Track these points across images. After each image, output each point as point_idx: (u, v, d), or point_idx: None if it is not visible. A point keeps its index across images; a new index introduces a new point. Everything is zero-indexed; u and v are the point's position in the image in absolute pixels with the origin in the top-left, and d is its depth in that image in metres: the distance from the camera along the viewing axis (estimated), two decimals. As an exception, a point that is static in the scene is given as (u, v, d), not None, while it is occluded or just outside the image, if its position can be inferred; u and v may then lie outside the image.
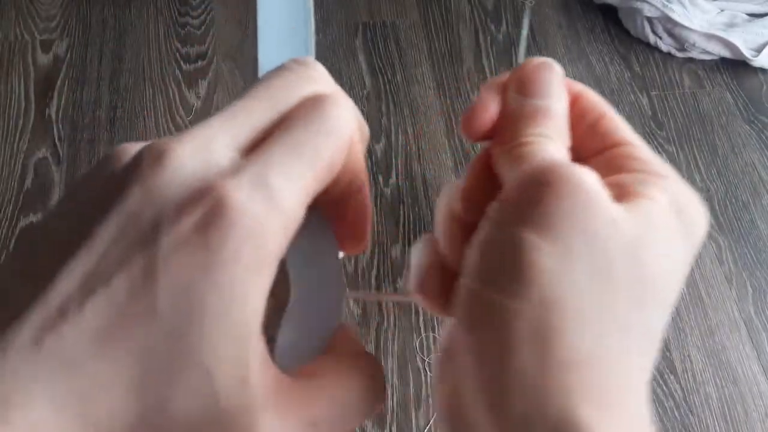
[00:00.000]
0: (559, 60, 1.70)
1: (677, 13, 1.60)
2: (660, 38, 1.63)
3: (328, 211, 0.25)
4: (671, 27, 1.61)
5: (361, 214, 0.25)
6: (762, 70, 1.62)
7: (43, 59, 1.57)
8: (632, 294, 0.23)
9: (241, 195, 0.20)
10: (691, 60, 1.63)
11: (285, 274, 0.24)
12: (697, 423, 1.15)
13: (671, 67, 1.62)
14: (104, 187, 0.21)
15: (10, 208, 1.33)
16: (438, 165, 1.43)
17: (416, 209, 1.37)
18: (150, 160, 0.21)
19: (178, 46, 1.61)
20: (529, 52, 1.62)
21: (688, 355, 1.22)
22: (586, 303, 0.22)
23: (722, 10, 1.67)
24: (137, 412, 0.19)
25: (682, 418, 1.15)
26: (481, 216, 0.25)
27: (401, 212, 1.36)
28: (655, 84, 1.59)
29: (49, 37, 1.60)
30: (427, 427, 1.14)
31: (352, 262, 1.30)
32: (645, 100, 1.56)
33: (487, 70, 1.59)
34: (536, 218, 0.23)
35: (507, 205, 0.24)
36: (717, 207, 1.40)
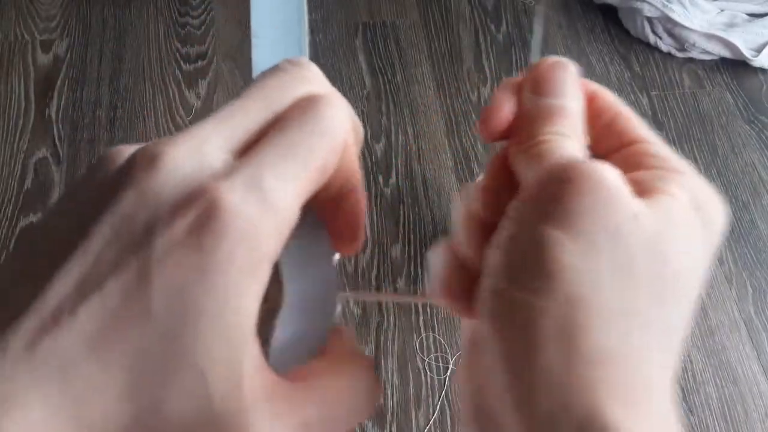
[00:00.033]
0: (559, 60, 1.68)
1: (677, 13, 1.60)
2: (660, 38, 1.63)
3: (322, 211, 0.25)
4: (671, 27, 1.61)
5: (355, 216, 0.25)
6: (762, 70, 1.62)
7: (43, 59, 1.57)
8: (653, 290, 0.23)
9: (234, 197, 0.20)
10: (691, 60, 1.63)
11: (278, 275, 0.24)
12: (697, 423, 1.15)
13: (671, 67, 1.62)
14: (98, 190, 0.21)
15: (10, 208, 1.33)
16: (438, 165, 1.43)
17: (416, 209, 1.37)
18: (144, 162, 0.21)
19: (178, 46, 1.61)
20: (529, 52, 1.62)
21: (688, 355, 1.22)
22: (610, 299, 0.22)
23: (722, 10, 1.67)
24: (131, 413, 0.19)
25: (681, 418, 1.15)
26: (501, 215, 0.25)
27: (401, 212, 1.36)
28: (655, 84, 1.59)
29: (49, 37, 1.60)
30: (427, 427, 1.14)
31: (352, 262, 1.30)
32: (645, 100, 1.56)
33: (487, 70, 1.59)
34: (558, 215, 0.23)
35: (528, 203, 0.24)
36: (717, 207, 1.40)
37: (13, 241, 1.28)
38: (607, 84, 1.57)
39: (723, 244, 1.38)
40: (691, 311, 0.24)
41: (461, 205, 0.27)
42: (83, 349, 0.19)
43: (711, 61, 1.63)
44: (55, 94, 1.50)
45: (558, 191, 0.23)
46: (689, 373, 1.20)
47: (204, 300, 0.20)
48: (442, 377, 1.18)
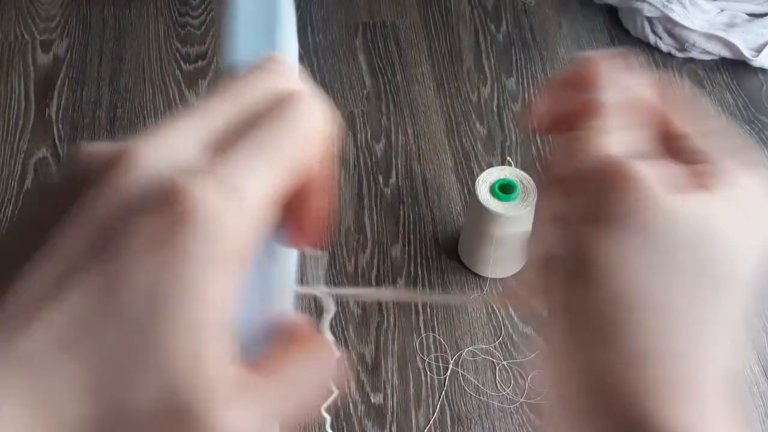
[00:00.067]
0: (559, 60, 1.70)
1: (677, 13, 1.60)
2: (660, 38, 1.63)
3: (286, 206, 0.25)
4: (671, 27, 1.61)
5: (319, 215, 0.25)
6: (762, 70, 1.62)
7: (43, 59, 1.57)
8: (698, 287, 0.23)
9: (206, 194, 0.20)
10: (691, 60, 1.63)
11: None
12: (697, 423, 1.15)
13: (671, 67, 1.62)
14: (71, 189, 0.21)
15: (10, 208, 1.33)
16: (438, 165, 1.43)
17: (416, 209, 1.37)
18: (115, 160, 0.21)
19: (178, 46, 1.61)
20: (529, 52, 1.62)
21: (688, 355, 1.22)
22: (652, 297, 0.22)
23: (722, 10, 1.67)
24: (97, 410, 0.20)
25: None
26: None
27: (401, 212, 1.36)
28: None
29: (49, 37, 1.60)
30: (427, 427, 1.14)
31: (353, 262, 1.30)
32: (645, 100, 1.56)
33: (487, 70, 1.59)
34: (597, 214, 0.23)
35: (570, 202, 0.24)
36: (717, 207, 1.40)
37: (13, 241, 1.28)
38: (607, 84, 1.58)
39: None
40: (743, 307, 0.24)
41: (541, 203, 0.28)
42: (54, 349, 0.19)
43: (711, 61, 1.63)
44: (55, 94, 1.50)
45: (596, 190, 0.23)
46: (689, 373, 1.20)
47: (172, 297, 0.20)
48: (442, 377, 1.18)
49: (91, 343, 0.20)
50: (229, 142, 0.22)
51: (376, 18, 1.68)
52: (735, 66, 1.62)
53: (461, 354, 1.20)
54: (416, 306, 1.25)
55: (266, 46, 0.26)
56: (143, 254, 0.20)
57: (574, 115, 0.27)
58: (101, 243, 0.20)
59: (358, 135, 1.47)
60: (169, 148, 0.21)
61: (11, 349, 0.19)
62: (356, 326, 1.23)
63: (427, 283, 1.27)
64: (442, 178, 1.41)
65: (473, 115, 1.51)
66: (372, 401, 1.16)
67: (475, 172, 1.41)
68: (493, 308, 1.25)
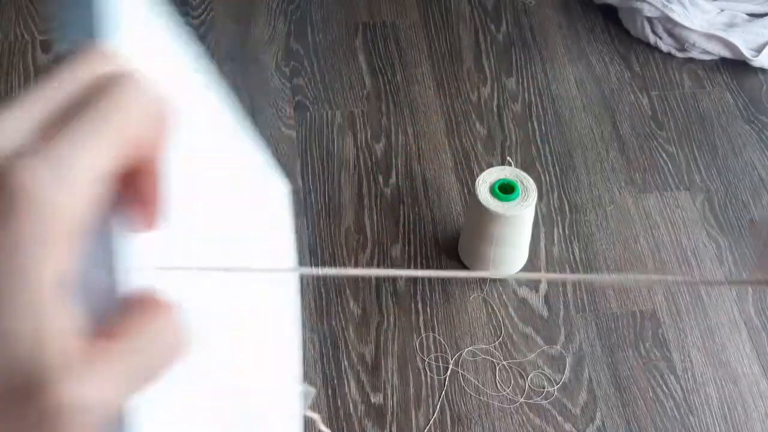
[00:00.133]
0: (559, 60, 1.70)
1: (677, 13, 1.60)
2: (660, 38, 1.63)
3: (120, 186, 0.25)
4: (671, 27, 1.61)
5: (151, 195, 0.26)
6: (762, 70, 1.62)
7: (43, 59, 1.57)
8: None
9: (33, 175, 0.21)
10: (691, 60, 1.63)
11: None
12: (697, 423, 1.15)
13: (671, 67, 1.62)
14: None
15: (10, 208, 1.33)
16: (438, 165, 1.43)
17: (416, 209, 1.37)
18: None
19: (178, 46, 1.60)
20: (529, 52, 1.62)
21: (688, 355, 1.22)
22: None
23: (722, 10, 1.67)
24: None
25: (682, 418, 1.15)
26: None
27: (401, 212, 1.36)
28: (655, 84, 1.59)
29: (49, 37, 1.60)
30: (427, 427, 1.14)
31: (353, 262, 1.30)
32: (645, 100, 1.56)
33: (487, 70, 1.59)
34: None
35: None
36: (717, 207, 1.40)
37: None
38: (607, 84, 1.58)
39: (723, 244, 1.39)
40: None
41: None
42: None
43: (711, 61, 1.63)
44: (55, 94, 1.50)
45: None
46: (689, 373, 1.20)
47: (5, 278, 0.21)
48: (442, 377, 1.18)
49: None
50: (56, 126, 0.23)
51: (376, 18, 1.68)
52: (735, 66, 1.62)
53: (461, 354, 1.20)
54: (416, 306, 1.25)
55: (93, 33, 0.26)
56: None
57: None
58: None
59: (358, 135, 1.47)
60: None
61: None
62: (356, 326, 1.23)
63: (427, 283, 1.27)
64: (442, 178, 1.41)
65: (473, 115, 1.51)
66: (372, 401, 1.16)
67: (475, 172, 1.41)
68: (493, 308, 1.25)
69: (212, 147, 0.31)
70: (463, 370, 1.18)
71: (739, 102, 1.57)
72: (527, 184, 1.19)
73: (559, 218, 1.37)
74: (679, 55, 1.63)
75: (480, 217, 1.19)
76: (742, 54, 1.59)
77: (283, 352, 0.33)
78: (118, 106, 0.23)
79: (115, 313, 0.24)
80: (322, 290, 1.26)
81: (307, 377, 1.17)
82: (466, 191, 1.39)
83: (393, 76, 1.57)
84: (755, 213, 1.40)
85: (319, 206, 1.36)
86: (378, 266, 1.29)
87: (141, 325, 0.24)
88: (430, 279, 1.28)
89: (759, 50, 1.59)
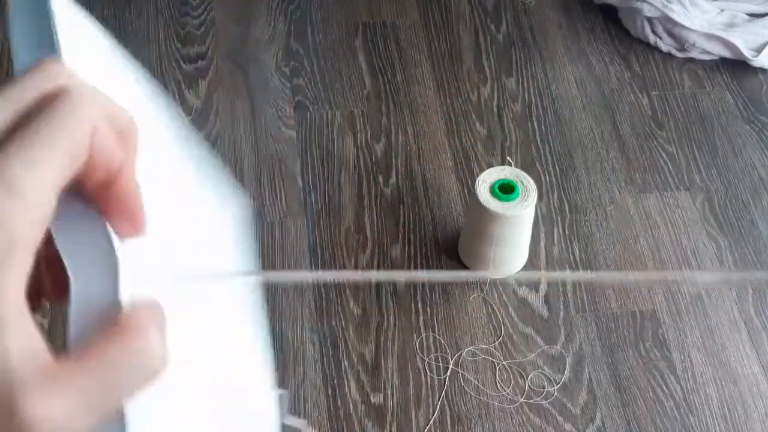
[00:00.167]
0: (559, 60, 1.70)
1: (677, 13, 1.60)
2: (660, 38, 1.63)
3: (95, 198, 0.25)
4: (671, 27, 1.61)
5: (126, 204, 0.26)
6: (762, 70, 1.62)
7: (43, 59, 1.56)
8: None
9: None
10: (691, 60, 1.63)
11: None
12: (697, 423, 1.15)
13: (671, 67, 1.62)
14: None
15: (10, 208, 1.33)
16: (438, 165, 1.43)
17: (416, 209, 1.37)
18: None
19: (178, 46, 1.60)
20: (529, 52, 1.62)
21: (688, 355, 1.22)
22: None
23: (722, 10, 1.67)
24: None
25: (682, 418, 1.15)
26: None
27: (401, 212, 1.36)
28: (655, 84, 1.59)
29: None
30: (427, 427, 1.14)
31: (353, 262, 1.30)
32: (645, 100, 1.56)
33: (487, 70, 1.59)
34: None
35: None
36: (717, 207, 1.40)
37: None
38: (607, 84, 1.58)
39: (723, 244, 1.39)
40: None
41: None
42: None
43: (711, 61, 1.63)
44: (55, 94, 1.50)
45: None
46: (689, 373, 1.20)
47: None
48: (442, 377, 1.18)
49: None
50: (3, 143, 0.23)
51: (376, 18, 1.68)
52: (735, 66, 1.62)
53: (461, 354, 1.20)
54: (416, 306, 1.25)
55: (44, 50, 0.27)
56: None
57: None
58: None
59: (358, 135, 1.47)
60: None
61: None
62: (356, 326, 1.23)
63: (426, 283, 1.27)
64: (442, 178, 1.41)
65: (473, 115, 1.51)
66: (372, 401, 1.16)
67: (475, 172, 1.41)
68: (493, 308, 1.25)
69: (156, 159, 0.31)
70: (463, 370, 1.18)
71: (739, 102, 1.57)
72: (527, 184, 1.19)
73: (559, 218, 1.37)
74: (679, 55, 1.63)
75: (480, 217, 1.19)
76: (742, 54, 1.59)
77: (254, 359, 0.33)
78: (67, 119, 0.23)
79: (95, 331, 0.24)
80: (322, 290, 1.26)
81: (306, 377, 1.17)
82: (466, 191, 1.39)
83: (393, 76, 1.57)
84: (755, 213, 1.40)
85: (319, 206, 1.36)
86: (378, 266, 1.29)
87: (114, 347, 0.23)
88: (430, 279, 1.28)
89: (759, 50, 1.59)
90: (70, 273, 0.24)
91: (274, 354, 1.19)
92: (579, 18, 1.70)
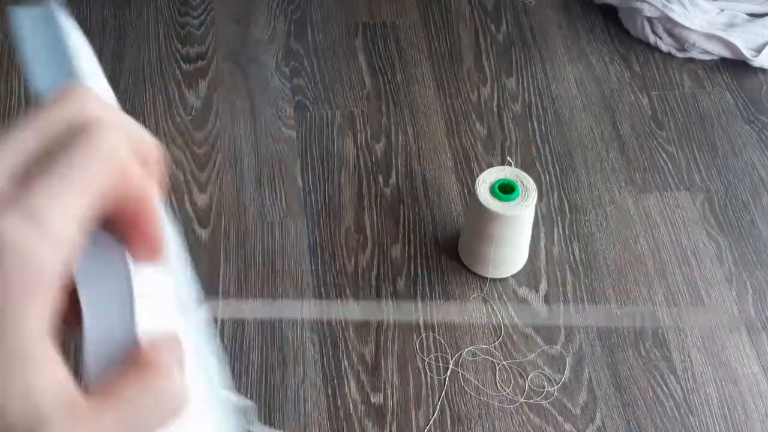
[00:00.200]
0: (559, 60, 1.70)
1: (677, 13, 1.60)
2: (660, 38, 1.63)
3: (118, 229, 0.25)
4: (671, 27, 1.61)
5: (149, 235, 0.25)
6: (762, 70, 1.62)
7: (43, 59, 1.56)
8: None
9: (7, 228, 0.21)
10: (691, 60, 1.63)
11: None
12: (697, 423, 1.15)
13: (671, 67, 1.62)
14: None
15: (10, 208, 1.33)
16: (438, 165, 1.43)
17: (416, 209, 1.37)
18: None
19: (178, 46, 1.60)
20: (529, 52, 1.62)
21: (688, 355, 1.22)
22: None
23: (722, 10, 1.67)
24: None
25: (682, 418, 1.15)
26: None
27: (401, 212, 1.36)
28: (655, 84, 1.59)
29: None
30: (427, 427, 1.13)
31: (353, 262, 1.30)
32: (645, 100, 1.56)
33: (487, 70, 1.59)
34: None
35: None
36: (717, 207, 1.40)
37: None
38: (607, 84, 1.58)
39: (723, 244, 1.39)
40: None
41: None
42: None
43: (711, 61, 1.63)
44: (55, 94, 1.50)
45: None
46: (689, 373, 1.20)
47: None
48: (442, 377, 1.18)
49: None
50: (30, 174, 0.22)
51: (376, 18, 1.68)
52: (735, 66, 1.62)
53: (461, 354, 1.20)
54: (416, 306, 1.25)
55: (65, 75, 0.26)
56: None
57: None
58: None
59: (358, 135, 1.47)
60: None
61: None
62: (356, 326, 1.23)
63: (426, 283, 1.27)
64: (442, 178, 1.41)
65: (473, 115, 1.51)
66: (372, 401, 1.16)
67: (475, 172, 1.41)
68: (493, 308, 1.25)
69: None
70: (463, 370, 1.18)
71: (739, 102, 1.57)
72: (527, 184, 1.19)
73: (559, 218, 1.37)
74: (679, 55, 1.63)
75: (480, 217, 1.19)
76: (742, 54, 1.59)
77: (213, 376, 0.33)
78: (95, 151, 0.23)
79: (116, 366, 0.24)
80: (322, 290, 1.26)
81: (306, 377, 1.17)
82: (466, 191, 1.39)
83: (393, 76, 1.57)
84: (755, 213, 1.40)
85: (319, 206, 1.36)
86: (378, 266, 1.29)
87: (137, 386, 0.23)
88: (430, 279, 1.28)
89: (759, 50, 1.59)
90: (83, 304, 0.24)
91: (274, 354, 1.18)
92: (579, 18, 1.70)
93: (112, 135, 0.23)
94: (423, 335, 1.22)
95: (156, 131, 1.45)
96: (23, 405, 0.20)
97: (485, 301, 1.26)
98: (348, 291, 1.26)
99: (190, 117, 1.48)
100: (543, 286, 1.28)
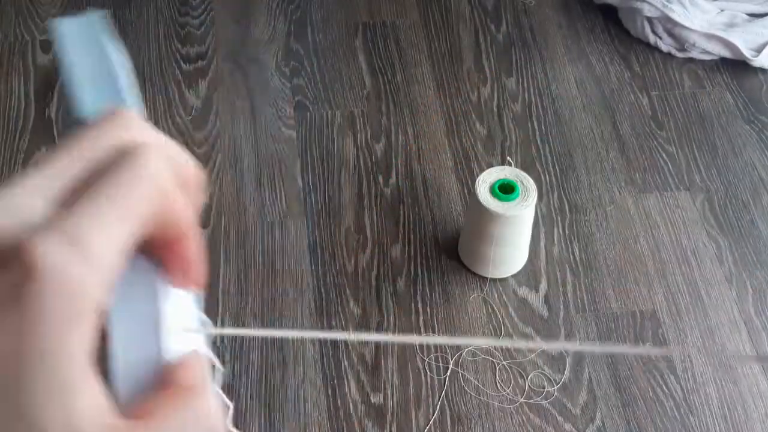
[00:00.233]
0: (559, 60, 1.70)
1: (677, 13, 1.60)
2: (660, 38, 1.63)
3: (155, 255, 0.25)
4: (671, 27, 1.61)
5: (187, 261, 0.25)
6: (762, 70, 1.62)
7: (43, 59, 1.57)
8: None
9: (49, 251, 0.21)
10: (691, 60, 1.63)
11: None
12: (697, 423, 1.15)
13: (671, 67, 1.62)
14: None
15: (10, 208, 1.33)
16: (438, 165, 1.43)
17: (416, 209, 1.37)
18: None
19: (178, 46, 1.60)
20: (529, 52, 1.62)
21: (688, 355, 1.22)
22: None
23: (722, 10, 1.67)
24: None
25: (682, 418, 1.15)
26: None
27: (401, 212, 1.36)
28: (655, 84, 1.59)
29: (49, 37, 1.60)
30: (427, 427, 1.14)
31: (353, 262, 1.30)
32: (645, 100, 1.56)
33: (487, 70, 1.59)
34: None
35: None
36: (717, 207, 1.40)
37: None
38: (607, 84, 1.58)
39: (723, 244, 1.39)
40: None
41: None
42: None
43: (711, 61, 1.63)
44: (55, 94, 1.50)
45: None
46: (689, 373, 1.20)
47: (29, 357, 0.20)
48: (442, 377, 1.18)
49: None
50: (74, 198, 0.22)
51: (376, 18, 1.68)
52: (735, 66, 1.62)
53: (461, 354, 1.20)
54: (416, 306, 1.25)
55: (109, 99, 0.26)
56: None
57: None
58: None
59: (358, 135, 1.47)
60: (13, 207, 0.22)
61: None
62: (356, 327, 1.23)
63: (426, 283, 1.27)
64: (442, 178, 1.41)
65: (473, 115, 1.51)
66: (372, 401, 1.16)
67: (475, 172, 1.41)
68: (493, 308, 1.25)
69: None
70: (463, 370, 1.18)
71: (739, 102, 1.57)
72: (527, 184, 1.19)
73: (559, 218, 1.37)
74: (679, 55, 1.63)
75: (480, 217, 1.19)
76: (742, 54, 1.59)
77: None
78: (139, 178, 0.23)
79: (152, 389, 0.24)
80: (322, 290, 1.26)
81: (306, 377, 1.17)
82: (466, 191, 1.39)
83: (393, 76, 1.57)
84: (755, 213, 1.40)
85: (319, 206, 1.36)
86: (378, 266, 1.29)
87: (175, 408, 0.23)
88: (430, 279, 1.28)
89: (759, 50, 1.59)
90: (111, 326, 0.24)
91: (274, 354, 1.18)
92: (579, 18, 1.70)
93: (156, 160, 0.23)
94: (423, 335, 1.22)
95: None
96: (65, 428, 0.21)
97: (485, 301, 1.26)
98: (348, 291, 1.26)
99: (190, 117, 1.48)
100: (543, 286, 1.28)
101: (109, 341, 0.24)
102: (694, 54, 1.62)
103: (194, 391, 0.24)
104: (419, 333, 1.22)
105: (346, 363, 1.19)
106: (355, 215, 1.35)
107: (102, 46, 0.27)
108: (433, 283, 1.28)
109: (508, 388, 1.17)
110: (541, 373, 1.19)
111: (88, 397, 0.21)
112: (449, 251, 1.31)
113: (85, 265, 0.21)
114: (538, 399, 1.16)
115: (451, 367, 1.19)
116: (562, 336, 1.23)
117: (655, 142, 1.49)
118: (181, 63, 1.57)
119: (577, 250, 1.33)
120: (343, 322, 1.23)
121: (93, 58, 0.27)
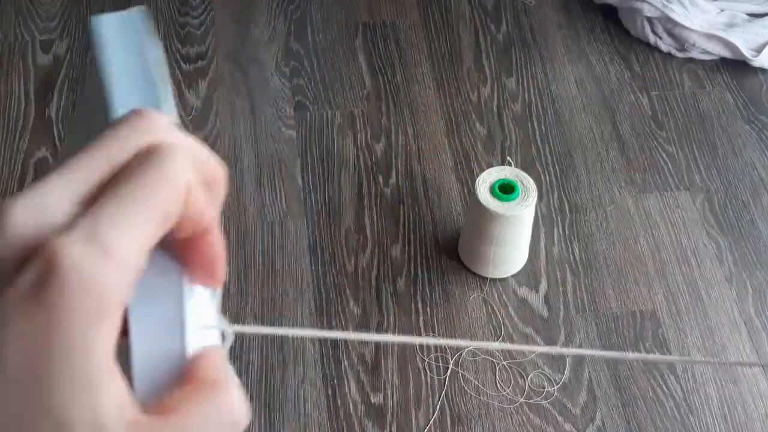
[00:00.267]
0: (559, 60, 1.70)
1: (677, 13, 1.60)
2: (660, 38, 1.63)
3: (178, 252, 0.25)
4: (671, 27, 1.61)
5: (209, 258, 0.26)
6: (762, 70, 1.62)
7: (43, 59, 1.57)
8: None
9: (74, 251, 0.21)
10: (691, 60, 1.63)
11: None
12: (697, 423, 1.15)
13: (671, 67, 1.62)
14: None
15: (10, 208, 1.33)
16: (438, 165, 1.43)
17: (416, 209, 1.37)
18: None
19: (178, 46, 1.60)
20: (529, 52, 1.62)
21: (689, 355, 1.22)
22: None
23: (722, 10, 1.67)
24: None
25: (682, 418, 1.15)
26: None
27: (401, 212, 1.36)
28: (655, 84, 1.59)
29: (49, 37, 1.60)
30: (427, 427, 1.14)
31: (353, 262, 1.30)
32: (645, 100, 1.56)
33: (487, 70, 1.59)
34: None
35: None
36: (717, 207, 1.40)
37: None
38: (607, 84, 1.58)
39: (723, 244, 1.39)
40: None
41: None
42: None
43: (711, 61, 1.63)
44: (55, 94, 1.50)
45: None
46: (689, 373, 1.20)
47: (54, 354, 0.21)
48: (442, 377, 1.18)
49: None
50: (100, 198, 0.23)
51: (376, 18, 1.68)
52: (735, 66, 1.62)
53: (461, 354, 1.20)
54: (416, 306, 1.25)
55: (144, 99, 0.26)
56: (18, 315, 0.21)
57: None
58: None
59: (358, 135, 1.47)
60: (39, 207, 0.22)
61: None
62: (356, 326, 1.23)
63: (426, 283, 1.27)
64: (442, 178, 1.41)
65: (473, 115, 1.51)
66: (372, 401, 1.16)
67: (475, 172, 1.41)
68: (493, 308, 1.25)
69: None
70: (463, 370, 1.18)
71: (739, 102, 1.57)
72: (527, 184, 1.19)
73: (559, 218, 1.37)
74: (679, 55, 1.63)
75: (480, 217, 1.19)
76: (742, 54, 1.59)
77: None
78: (163, 180, 0.23)
79: (175, 384, 0.24)
80: (322, 290, 1.26)
81: (306, 377, 1.17)
82: (466, 191, 1.39)
83: (393, 76, 1.57)
84: (755, 213, 1.40)
85: (319, 206, 1.36)
86: (378, 266, 1.29)
87: (198, 403, 0.24)
88: (430, 279, 1.28)
89: (759, 50, 1.59)
90: (132, 322, 0.24)
91: (274, 354, 1.18)
92: (579, 18, 1.70)
93: (181, 161, 0.24)
94: (423, 335, 1.22)
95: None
96: (90, 424, 0.21)
97: (485, 301, 1.26)
98: (348, 291, 1.26)
99: (190, 117, 1.48)
100: (543, 286, 1.28)
101: (130, 338, 0.24)
102: (694, 54, 1.62)
103: (217, 386, 0.24)
104: (419, 333, 1.22)
105: (346, 363, 1.19)
106: (355, 215, 1.35)
107: (141, 45, 0.27)
108: (433, 283, 1.28)
109: (508, 388, 1.17)
110: (541, 373, 1.19)
111: (113, 393, 0.22)
112: (449, 251, 1.31)
113: (109, 265, 0.21)
114: (538, 399, 1.16)
115: (451, 367, 1.19)
116: (562, 336, 1.23)
117: (655, 142, 1.49)
118: (181, 63, 1.57)
119: (577, 250, 1.33)
120: (343, 322, 1.23)
121: (131, 56, 0.27)
